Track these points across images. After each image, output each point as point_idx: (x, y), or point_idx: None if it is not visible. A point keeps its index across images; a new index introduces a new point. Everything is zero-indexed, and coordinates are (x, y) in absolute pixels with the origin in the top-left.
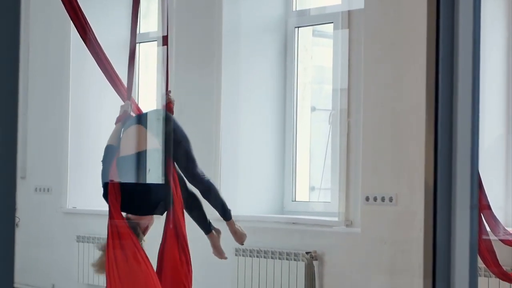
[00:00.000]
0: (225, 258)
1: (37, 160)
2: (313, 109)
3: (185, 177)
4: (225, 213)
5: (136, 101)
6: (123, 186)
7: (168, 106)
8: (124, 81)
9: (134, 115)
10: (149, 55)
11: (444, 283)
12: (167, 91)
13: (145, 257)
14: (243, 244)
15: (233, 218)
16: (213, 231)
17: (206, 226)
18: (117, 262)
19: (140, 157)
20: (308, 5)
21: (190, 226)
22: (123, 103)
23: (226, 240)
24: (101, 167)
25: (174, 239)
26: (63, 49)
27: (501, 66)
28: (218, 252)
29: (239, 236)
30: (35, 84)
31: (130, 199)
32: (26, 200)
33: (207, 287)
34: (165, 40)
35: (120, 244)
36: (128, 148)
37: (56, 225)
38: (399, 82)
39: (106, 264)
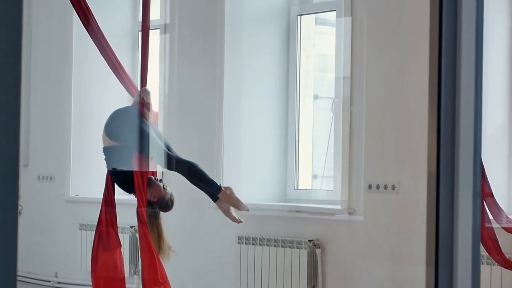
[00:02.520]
0: (239, 222)
1: (40, 148)
2: (316, 97)
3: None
4: (211, 186)
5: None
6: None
7: (141, 104)
8: (127, 69)
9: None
10: (152, 43)
11: (447, 271)
12: (142, 88)
13: (115, 244)
14: (248, 210)
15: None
16: (220, 199)
17: (210, 195)
18: (98, 249)
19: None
20: None
21: (191, 219)
22: (126, 91)
23: (228, 229)
24: None
25: (140, 220)
26: (66, 37)
27: (504, 54)
28: (231, 219)
29: (236, 204)
30: (37, 72)
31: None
32: (28, 188)
33: (209, 275)
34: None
35: (99, 230)
36: None
37: (58, 213)
38: (401, 70)
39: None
